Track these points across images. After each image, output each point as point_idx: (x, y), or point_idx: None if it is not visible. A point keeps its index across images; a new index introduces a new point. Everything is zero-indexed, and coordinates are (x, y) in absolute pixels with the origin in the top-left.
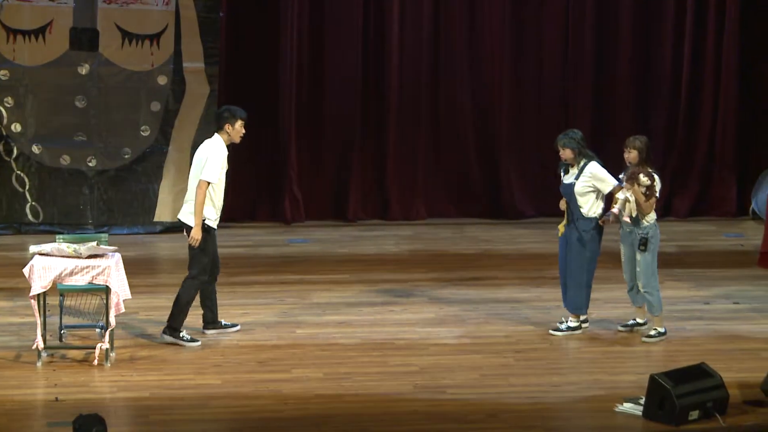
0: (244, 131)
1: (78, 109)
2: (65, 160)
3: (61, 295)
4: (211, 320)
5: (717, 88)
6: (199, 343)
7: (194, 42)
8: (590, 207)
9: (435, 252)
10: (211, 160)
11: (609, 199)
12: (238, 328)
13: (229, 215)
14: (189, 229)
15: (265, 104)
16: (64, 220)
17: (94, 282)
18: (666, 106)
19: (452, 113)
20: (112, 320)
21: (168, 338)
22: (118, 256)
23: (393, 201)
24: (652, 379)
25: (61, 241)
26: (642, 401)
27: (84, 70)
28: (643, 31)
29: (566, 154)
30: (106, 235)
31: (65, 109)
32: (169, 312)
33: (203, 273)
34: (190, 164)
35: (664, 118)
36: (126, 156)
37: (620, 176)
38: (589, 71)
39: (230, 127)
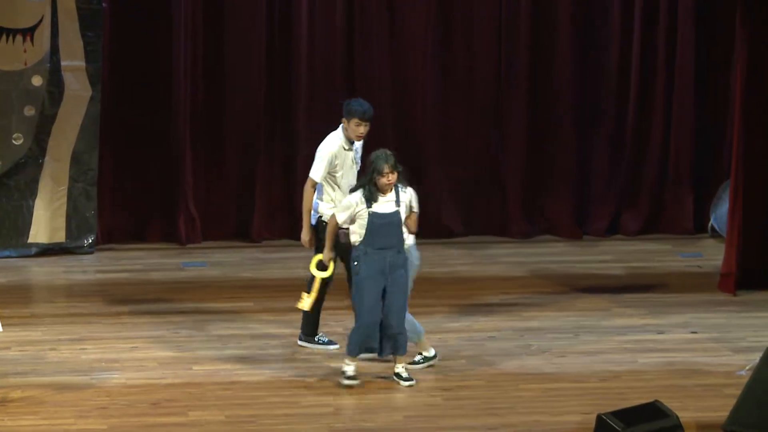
0: (361, 131)
1: None
2: None
3: None
4: (307, 332)
5: (670, 93)
6: (337, 346)
7: (74, 37)
8: None
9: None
10: (318, 156)
11: None
12: (337, 347)
13: (112, 235)
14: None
15: (155, 107)
16: None
17: None
18: (612, 111)
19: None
20: None
21: (304, 344)
22: None
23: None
24: (600, 419)
25: None
26: None
27: None
28: (586, 29)
29: (395, 177)
30: None
31: None
32: None
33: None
34: (69, 177)
35: (610, 125)
36: None
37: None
38: (523, 73)
39: (346, 123)
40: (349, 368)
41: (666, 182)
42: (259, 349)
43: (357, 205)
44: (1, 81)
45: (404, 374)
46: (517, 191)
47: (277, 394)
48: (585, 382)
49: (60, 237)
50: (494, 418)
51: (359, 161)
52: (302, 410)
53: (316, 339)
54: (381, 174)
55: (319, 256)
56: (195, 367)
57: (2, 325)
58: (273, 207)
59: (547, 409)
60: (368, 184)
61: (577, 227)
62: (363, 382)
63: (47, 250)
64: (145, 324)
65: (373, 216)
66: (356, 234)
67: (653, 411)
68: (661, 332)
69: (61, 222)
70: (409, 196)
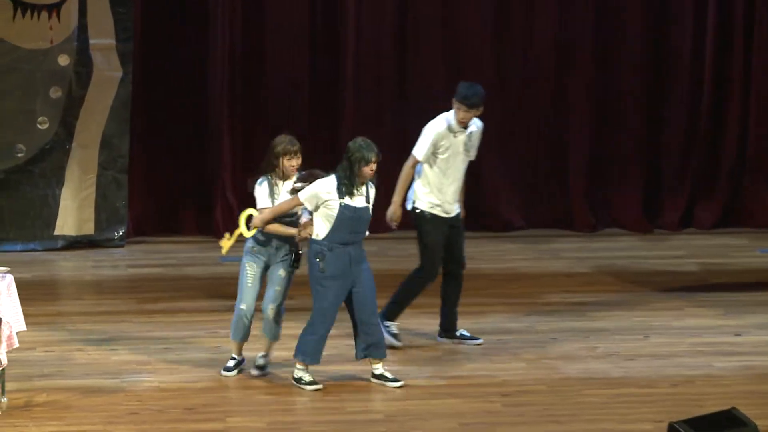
0: (461, 116)
1: None
2: None
3: None
4: (445, 327)
5: (747, 73)
6: (480, 340)
7: (103, 13)
8: None
9: (402, 272)
10: (423, 134)
11: None
12: (480, 341)
13: (145, 227)
14: None
15: (191, 89)
16: None
17: None
18: (685, 94)
19: (420, 103)
20: (3, 358)
21: (443, 340)
22: (10, 278)
23: None
24: (671, 428)
25: None
26: None
27: None
28: (656, 6)
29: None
30: None
31: None
32: None
33: (429, 268)
34: (98, 164)
35: (683, 109)
36: (19, 155)
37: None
38: (587, 57)
39: (454, 104)
40: (306, 374)
41: (743, 171)
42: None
43: (329, 194)
44: (25, 61)
45: (390, 375)
46: (581, 181)
47: (322, 399)
48: (655, 388)
49: (88, 229)
50: (556, 426)
51: (472, 151)
52: (349, 417)
53: (457, 334)
54: (368, 163)
55: (251, 212)
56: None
57: (26, 324)
58: None
59: (613, 416)
60: (350, 173)
61: (647, 220)
62: (405, 385)
63: (75, 243)
64: (179, 323)
65: (344, 208)
66: (320, 226)
67: (730, 419)
68: (739, 334)
69: (90, 213)
70: (373, 194)
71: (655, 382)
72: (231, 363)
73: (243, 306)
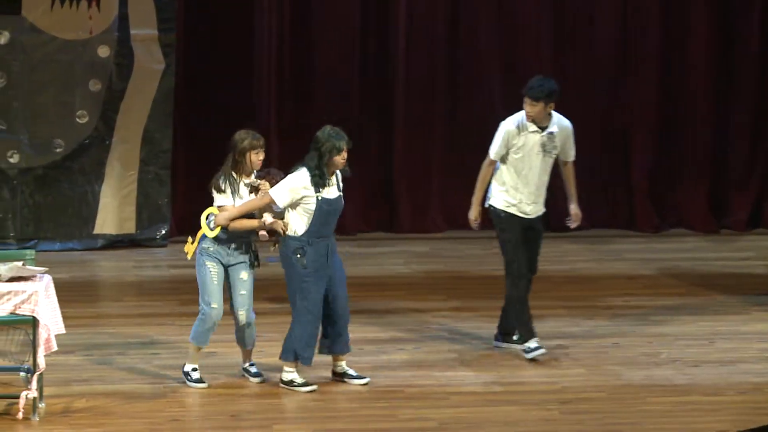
0: (527, 109)
1: None
2: None
3: None
4: (505, 330)
5: None
6: (541, 351)
7: (145, 3)
8: None
9: (457, 273)
10: (497, 132)
11: None
12: (542, 352)
13: (188, 226)
14: None
15: (236, 82)
16: None
17: (17, 312)
18: (752, 85)
19: (476, 98)
20: (41, 361)
21: (500, 344)
22: (48, 278)
23: (402, 209)
24: None
25: None
26: None
27: (2, 38)
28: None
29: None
30: (33, 251)
31: None
32: None
33: (511, 265)
34: (140, 160)
35: (751, 101)
36: (58, 150)
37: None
38: (652, 51)
39: (524, 98)
40: (297, 376)
41: None
42: (352, 355)
43: (306, 189)
44: (63, 51)
45: (354, 372)
46: (644, 179)
47: (372, 406)
48: (721, 395)
49: (129, 228)
50: None
51: (552, 151)
52: (400, 424)
53: (514, 338)
54: (339, 152)
55: (212, 210)
56: (280, 375)
57: (65, 327)
58: (368, 197)
59: (677, 425)
60: (320, 164)
61: (713, 219)
62: (456, 393)
63: (115, 243)
64: (223, 326)
65: (322, 203)
66: (297, 222)
67: None
68: None
69: (131, 211)
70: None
71: (721, 389)
72: (197, 374)
73: (214, 305)
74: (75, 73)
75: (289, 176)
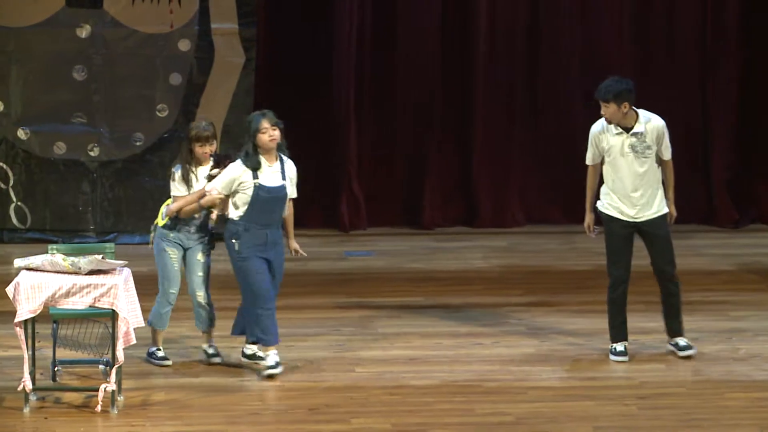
0: (606, 111)
1: (77, 83)
2: (60, 149)
3: (55, 321)
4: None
5: None
6: (626, 358)
7: None
8: None
9: (536, 268)
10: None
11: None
12: (693, 351)
13: None
14: None
15: (316, 79)
16: (58, 226)
17: (96, 305)
18: None
19: (556, 94)
20: (120, 355)
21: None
22: (127, 272)
23: (481, 203)
24: None
25: (55, 252)
26: None
27: (84, 32)
28: None
29: (278, 135)
30: (113, 245)
31: (60, 82)
32: None
33: (610, 270)
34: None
35: None
36: (138, 143)
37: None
38: (733, 36)
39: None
40: (270, 356)
41: None
42: (430, 350)
43: (241, 176)
44: (144, 45)
45: (264, 354)
46: (723, 173)
47: (449, 401)
48: None
49: None
50: (695, 431)
51: (646, 151)
52: (477, 419)
53: (671, 344)
54: (259, 131)
55: (168, 202)
56: (358, 369)
57: (145, 320)
58: (447, 190)
59: (756, 421)
60: (249, 146)
61: None
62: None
63: None
64: (302, 320)
65: (259, 189)
66: (236, 208)
67: None
68: None
69: None
70: (293, 170)
71: None
72: (162, 352)
73: (173, 290)
74: (155, 67)
75: (230, 165)
